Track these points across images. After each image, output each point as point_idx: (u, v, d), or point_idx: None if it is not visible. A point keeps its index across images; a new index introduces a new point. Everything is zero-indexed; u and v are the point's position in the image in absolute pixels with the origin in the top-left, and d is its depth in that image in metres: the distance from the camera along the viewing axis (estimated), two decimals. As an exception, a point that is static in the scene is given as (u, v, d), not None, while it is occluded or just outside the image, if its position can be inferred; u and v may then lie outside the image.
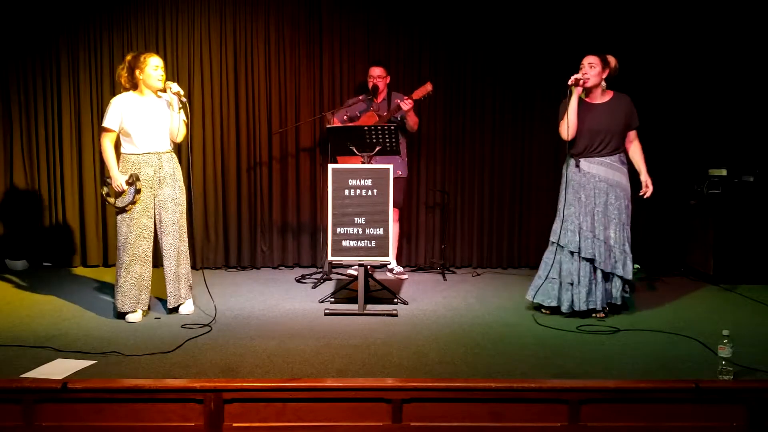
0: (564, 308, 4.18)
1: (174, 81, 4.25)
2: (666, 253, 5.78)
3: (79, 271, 5.69)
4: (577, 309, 4.16)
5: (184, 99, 4.13)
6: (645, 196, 4.30)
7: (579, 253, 4.14)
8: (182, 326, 3.94)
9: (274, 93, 5.81)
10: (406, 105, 5.03)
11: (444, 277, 5.48)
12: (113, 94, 5.69)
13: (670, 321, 4.15)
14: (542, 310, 4.31)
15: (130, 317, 4.07)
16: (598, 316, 4.18)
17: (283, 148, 5.84)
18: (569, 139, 4.17)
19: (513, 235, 5.97)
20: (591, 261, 4.14)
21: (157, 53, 5.58)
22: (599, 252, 4.12)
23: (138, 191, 4.01)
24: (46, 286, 5.05)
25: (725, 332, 3.08)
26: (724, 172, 5.37)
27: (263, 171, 5.84)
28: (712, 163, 5.57)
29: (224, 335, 3.78)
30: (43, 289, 4.97)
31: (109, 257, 5.83)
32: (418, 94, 5.04)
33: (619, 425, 2.93)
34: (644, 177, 4.28)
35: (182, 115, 4.18)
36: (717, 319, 4.17)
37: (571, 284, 4.17)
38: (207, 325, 3.96)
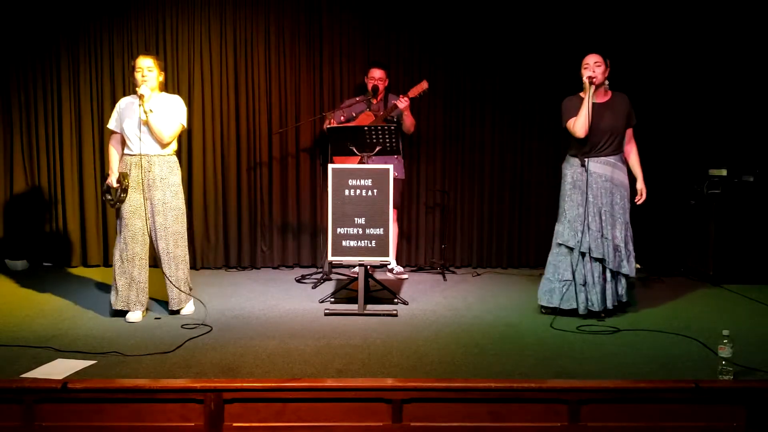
0: (581, 310, 4.13)
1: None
2: (666, 253, 5.77)
3: (79, 271, 5.69)
4: (593, 310, 4.12)
5: (142, 102, 3.95)
6: (638, 203, 4.29)
7: (589, 253, 4.11)
8: (182, 326, 3.94)
9: (274, 93, 5.81)
10: (402, 103, 5.00)
11: (444, 277, 5.48)
12: (113, 94, 5.74)
13: (670, 321, 4.15)
14: (542, 310, 4.30)
15: (130, 317, 4.07)
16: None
17: (283, 148, 5.84)
18: (584, 135, 4.09)
19: (513, 235, 5.97)
20: (601, 261, 4.13)
21: (157, 54, 5.63)
22: (608, 252, 4.10)
23: (124, 190, 4.05)
24: (46, 286, 5.04)
25: (725, 332, 3.08)
26: (724, 172, 5.37)
27: (263, 171, 5.84)
28: (712, 163, 5.57)
29: (224, 335, 3.78)
30: (43, 289, 4.97)
31: (108, 257, 5.83)
32: (414, 91, 5.02)
33: (619, 425, 2.93)
34: (640, 185, 4.26)
35: (181, 117, 4.13)
36: (717, 319, 4.17)
37: (584, 285, 4.14)
38: (207, 324, 3.96)
